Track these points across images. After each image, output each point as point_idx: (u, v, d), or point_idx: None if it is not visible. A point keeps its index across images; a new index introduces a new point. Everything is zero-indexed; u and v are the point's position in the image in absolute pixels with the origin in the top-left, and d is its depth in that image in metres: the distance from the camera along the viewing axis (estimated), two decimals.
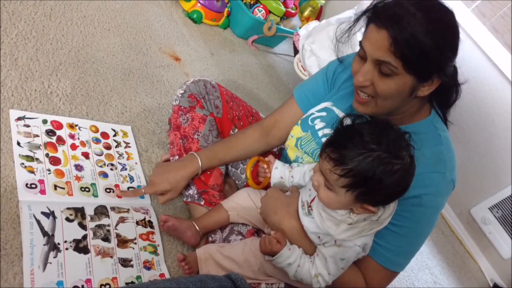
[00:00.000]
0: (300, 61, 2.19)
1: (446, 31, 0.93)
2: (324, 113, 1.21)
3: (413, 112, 1.06)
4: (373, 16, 0.95)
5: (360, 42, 0.98)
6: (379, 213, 0.95)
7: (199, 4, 2.28)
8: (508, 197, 2.27)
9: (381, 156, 0.85)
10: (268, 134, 1.32)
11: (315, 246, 1.02)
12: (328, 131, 1.17)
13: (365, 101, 1.03)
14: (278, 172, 1.18)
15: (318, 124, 1.20)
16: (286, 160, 1.30)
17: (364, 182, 0.86)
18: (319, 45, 2.04)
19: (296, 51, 2.32)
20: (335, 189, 0.90)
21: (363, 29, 1.00)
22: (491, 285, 2.34)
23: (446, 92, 1.05)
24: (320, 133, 1.18)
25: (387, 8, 0.93)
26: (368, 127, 0.89)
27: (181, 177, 1.24)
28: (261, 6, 2.48)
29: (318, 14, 2.95)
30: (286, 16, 2.63)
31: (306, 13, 2.88)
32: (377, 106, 1.02)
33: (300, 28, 2.43)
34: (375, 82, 0.97)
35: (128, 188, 1.27)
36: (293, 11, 2.65)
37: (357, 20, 1.03)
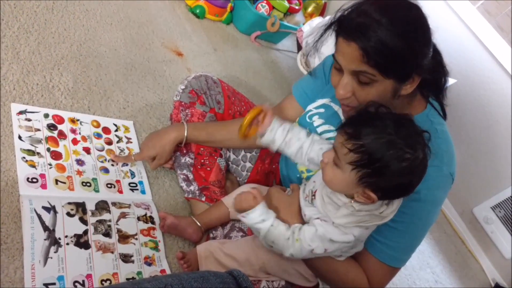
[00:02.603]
0: (303, 58, 2.18)
1: (415, 28, 0.92)
2: (322, 110, 1.21)
3: (404, 107, 1.05)
4: (339, 29, 0.96)
5: (333, 56, 0.99)
6: (382, 209, 0.94)
7: None
8: (511, 196, 2.26)
9: (395, 141, 0.84)
10: None
11: None
12: (327, 127, 1.17)
13: (349, 110, 1.03)
14: (271, 134, 1.08)
15: (317, 121, 1.19)
16: (285, 158, 1.29)
17: (372, 162, 0.85)
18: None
19: (299, 48, 2.31)
20: (342, 165, 0.89)
21: (330, 40, 1.01)
22: (493, 284, 2.33)
23: (433, 79, 1.04)
24: (319, 130, 1.18)
25: (351, 19, 0.93)
26: (391, 116, 0.89)
27: (165, 142, 1.25)
28: (265, 1, 2.47)
29: (321, 11, 2.93)
30: (290, 12, 2.62)
31: (309, 9, 2.87)
32: None
33: (303, 24, 2.41)
34: (356, 92, 0.98)
35: (129, 183, 1.27)
36: (296, 7, 2.64)
37: (322, 34, 1.03)
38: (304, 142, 1.08)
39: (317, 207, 0.98)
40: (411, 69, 0.94)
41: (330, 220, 0.95)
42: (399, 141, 0.84)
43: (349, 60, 0.94)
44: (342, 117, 1.16)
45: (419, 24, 0.93)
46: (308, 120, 1.21)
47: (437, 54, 1.03)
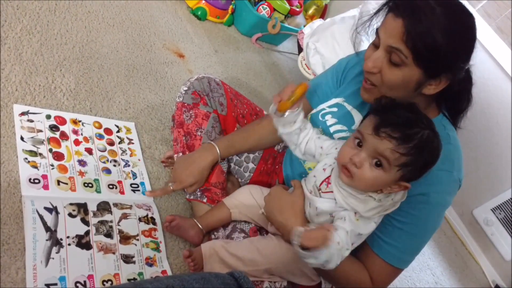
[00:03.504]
0: (304, 59, 2.19)
1: (463, 32, 0.93)
2: (335, 109, 1.21)
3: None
4: (393, 5, 0.96)
5: (377, 29, 0.99)
6: (392, 195, 0.96)
7: (203, 1, 2.28)
8: (511, 198, 2.27)
9: (430, 134, 0.89)
10: None
11: None
12: (339, 127, 1.17)
13: (370, 88, 1.04)
14: (297, 115, 1.08)
15: (330, 120, 1.20)
16: (291, 156, 1.29)
17: (418, 160, 0.89)
18: (324, 43, 2.03)
19: (300, 49, 2.31)
20: (389, 168, 0.90)
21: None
22: (493, 286, 2.34)
23: (456, 97, 1.05)
24: (331, 129, 1.18)
25: (409, 0, 0.93)
26: (408, 106, 0.93)
27: (203, 168, 1.25)
28: (266, 3, 2.48)
29: (322, 13, 2.94)
30: (291, 14, 2.63)
31: (310, 11, 2.87)
32: (380, 95, 1.02)
33: (304, 26, 2.42)
34: (383, 70, 0.98)
35: (131, 184, 1.27)
36: (297, 9, 2.65)
37: (378, 11, 1.03)
38: (308, 133, 1.11)
39: (338, 200, 0.97)
40: (442, 68, 0.94)
41: (353, 211, 0.96)
42: (430, 132, 0.89)
43: (389, 35, 0.94)
44: (354, 117, 1.17)
45: (468, 31, 0.94)
46: (321, 118, 1.22)
47: (469, 81, 1.05)
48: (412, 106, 0.94)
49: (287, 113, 1.05)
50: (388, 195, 0.96)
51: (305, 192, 1.06)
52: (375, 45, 1.00)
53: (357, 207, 0.95)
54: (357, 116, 1.17)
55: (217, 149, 1.26)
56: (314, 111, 1.26)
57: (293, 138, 1.11)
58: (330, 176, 1.02)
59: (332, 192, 0.99)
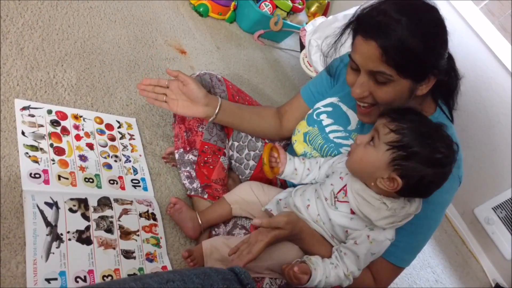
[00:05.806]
0: (306, 57, 2.18)
1: (433, 29, 0.93)
2: (330, 108, 1.21)
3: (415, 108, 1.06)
4: (358, 27, 0.96)
5: (350, 55, 0.99)
6: (406, 207, 0.97)
7: None
8: None
9: (434, 134, 0.91)
10: (281, 120, 1.35)
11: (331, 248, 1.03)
12: (335, 127, 1.17)
13: (368, 111, 1.05)
14: (291, 163, 1.16)
15: (326, 120, 1.20)
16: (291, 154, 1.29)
17: (409, 146, 0.89)
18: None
19: (302, 47, 2.30)
20: (378, 144, 0.92)
21: (349, 41, 1.01)
22: (493, 285, 2.34)
23: (446, 82, 1.05)
24: (327, 129, 1.18)
25: (371, 18, 0.93)
26: (430, 119, 0.97)
27: (203, 95, 1.17)
28: (268, 0, 2.47)
29: (325, 10, 2.94)
30: (293, 11, 2.62)
31: (313, 8, 2.87)
32: (379, 112, 1.03)
33: (306, 23, 2.41)
34: (373, 91, 0.98)
35: (132, 180, 1.27)
36: (300, 6, 2.64)
37: (342, 33, 1.04)
38: (318, 162, 1.14)
39: (353, 208, 0.98)
40: (428, 69, 0.95)
41: (364, 234, 0.98)
42: (437, 137, 0.90)
43: (367, 59, 0.94)
44: (350, 118, 1.18)
45: (437, 25, 0.94)
46: (315, 117, 1.22)
47: (449, 58, 1.04)
48: (440, 124, 0.97)
49: (285, 170, 1.14)
50: (403, 206, 0.96)
51: (321, 199, 1.06)
52: (353, 69, 1.00)
53: (370, 215, 0.96)
54: (353, 117, 1.18)
55: (219, 100, 1.22)
56: (310, 111, 1.26)
57: (309, 177, 1.14)
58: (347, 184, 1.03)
59: (348, 202, 1.00)
